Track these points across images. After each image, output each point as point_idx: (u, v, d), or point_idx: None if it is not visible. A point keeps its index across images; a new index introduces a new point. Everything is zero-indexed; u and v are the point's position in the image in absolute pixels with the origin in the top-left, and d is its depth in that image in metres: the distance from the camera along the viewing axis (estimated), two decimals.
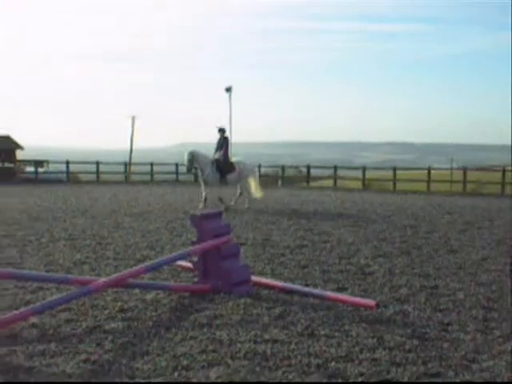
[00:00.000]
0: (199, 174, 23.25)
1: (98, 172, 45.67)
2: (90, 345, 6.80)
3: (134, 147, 60.21)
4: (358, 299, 8.62)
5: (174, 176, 48.10)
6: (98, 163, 45.25)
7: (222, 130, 23.17)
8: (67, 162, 46.44)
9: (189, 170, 23.38)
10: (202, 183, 23.06)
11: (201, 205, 22.41)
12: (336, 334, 7.27)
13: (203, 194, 22.65)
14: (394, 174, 39.06)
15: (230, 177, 23.02)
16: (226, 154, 22.92)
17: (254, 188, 23.80)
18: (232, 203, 23.29)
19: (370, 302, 8.39)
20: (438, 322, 7.82)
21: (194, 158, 22.49)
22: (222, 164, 22.74)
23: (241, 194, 23.84)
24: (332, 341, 6.99)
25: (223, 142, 23.03)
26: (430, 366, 6.26)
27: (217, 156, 22.86)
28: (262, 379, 5.82)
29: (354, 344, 6.89)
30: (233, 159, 23.45)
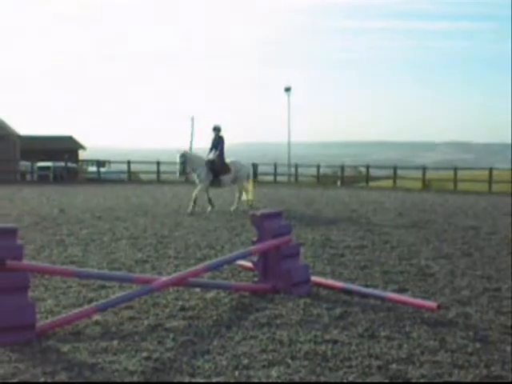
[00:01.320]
0: (193, 177, 22.13)
1: (158, 171, 46.14)
2: (151, 343, 6.88)
3: (194, 147, 60.67)
4: (419, 301, 8.54)
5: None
6: (158, 163, 45.72)
7: (216, 129, 21.79)
8: (128, 162, 47.06)
9: (181, 174, 22.09)
10: (197, 184, 21.78)
11: (190, 208, 20.77)
12: (397, 335, 7.21)
13: (194, 196, 20.96)
14: (455, 174, 38.57)
15: (225, 178, 21.76)
16: (221, 155, 21.63)
17: (249, 190, 22.57)
18: (233, 208, 21.84)
19: (432, 303, 8.30)
20: (500, 325, 7.69)
21: (186, 160, 21.42)
22: (216, 165, 21.46)
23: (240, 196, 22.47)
24: (393, 342, 6.94)
25: (218, 142, 21.70)
26: (492, 369, 6.16)
27: (211, 157, 21.64)
28: (322, 379, 5.82)
29: (415, 346, 6.83)
30: (228, 160, 22.04)
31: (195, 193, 21.09)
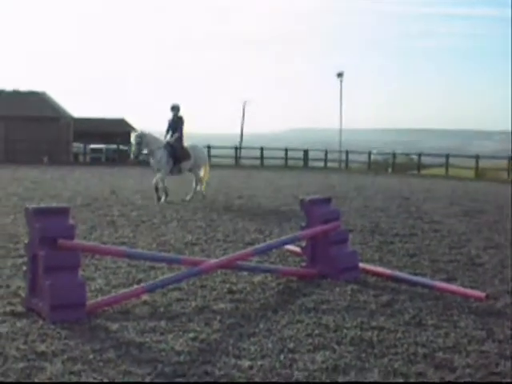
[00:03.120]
0: (150, 160, 19.43)
1: (209, 156, 46.38)
2: (198, 324, 6.95)
3: (244, 132, 60.78)
4: (467, 290, 8.46)
5: (283, 161, 48.33)
6: (209, 147, 45.93)
7: (175, 108, 19.26)
8: None
9: (136, 156, 19.82)
10: (154, 170, 19.34)
11: (157, 198, 18.51)
12: (444, 324, 7.16)
13: (154, 183, 18.88)
14: (510, 164, 37.95)
15: (185, 165, 19.33)
16: (180, 138, 19.22)
17: (205, 176, 20.22)
18: (188, 198, 19.24)
19: (480, 293, 8.22)
20: None
21: (142, 141, 18.93)
22: (176, 149, 19.07)
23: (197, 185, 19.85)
24: (440, 331, 6.90)
25: (177, 123, 19.25)
26: None
27: (169, 139, 19.20)
28: (367, 366, 5.82)
29: (462, 335, 6.77)
30: (186, 144, 19.60)
31: (156, 181, 18.81)
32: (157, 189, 18.53)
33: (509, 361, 6.04)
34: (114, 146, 49.39)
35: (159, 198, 18.41)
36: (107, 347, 6.11)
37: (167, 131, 19.40)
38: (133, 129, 56.52)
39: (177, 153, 19.03)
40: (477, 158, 40.81)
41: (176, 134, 19.13)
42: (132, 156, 20.44)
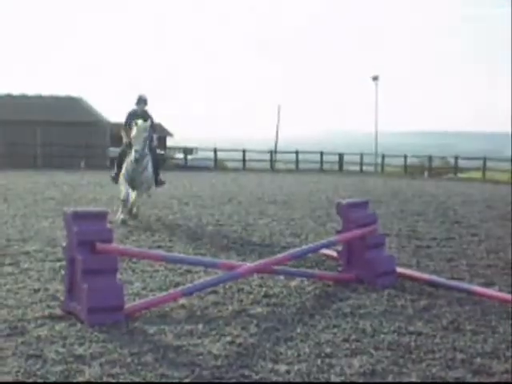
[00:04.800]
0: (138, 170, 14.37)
1: (244, 159, 46.48)
2: (235, 328, 6.97)
3: (279, 135, 60.75)
4: (505, 295, 8.37)
5: (318, 165, 48.27)
6: (244, 151, 46.05)
7: (142, 101, 15.11)
8: (215, 150, 47.60)
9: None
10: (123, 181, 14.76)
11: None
12: (482, 329, 7.09)
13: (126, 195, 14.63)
14: None
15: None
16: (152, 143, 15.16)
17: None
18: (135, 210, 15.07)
19: None
20: None
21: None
22: (156, 155, 15.98)
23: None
24: (478, 337, 6.83)
25: (145, 119, 14.59)
26: None
27: (137, 146, 14.06)
28: (405, 371, 5.79)
29: (500, 341, 6.71)
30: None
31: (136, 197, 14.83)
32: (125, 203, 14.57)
33: None
34: None
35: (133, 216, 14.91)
36: (145, 350, 6.15)
37: (126, 125, 14.94)
38: (168, 133, 56.86)
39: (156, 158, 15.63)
40: None
41: (154, 136, 15.26)
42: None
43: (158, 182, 15.72)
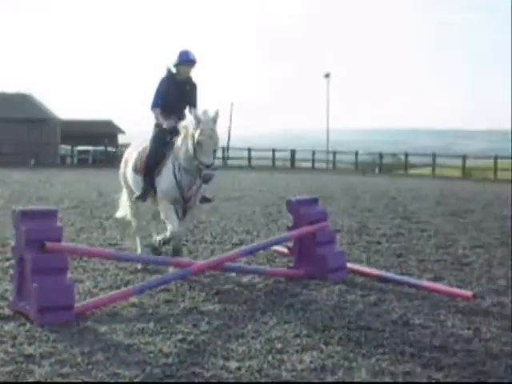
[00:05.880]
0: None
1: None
2: (186, 325, 6.96)
3: (233, 132, 60.72)
4: (454, 289, 8.51)
5: (270, 162, 48.42)
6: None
7: (187, 60, 9.24)
8: None
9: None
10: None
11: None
12: (431, 323, 7.19)
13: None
14: (495, 163, 38.15)
15: None
16: None
17: None
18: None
19: (467, 292, 8.28)
20: None
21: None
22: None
23: None
24: (427, 330, 6.93)
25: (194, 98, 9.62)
26: None
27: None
28: (355, 365, 5.85)
29: (449, 334, 6.81)
30: None
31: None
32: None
33: (495, 360, 6.08)
34: (101, 148, 49.26)
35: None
36: (96, 349, 6.11)
37: (157, 103, 9.54)
38: (120, 131, 56.45)
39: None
40: (464, 157, 40.97)
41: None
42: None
43: None
